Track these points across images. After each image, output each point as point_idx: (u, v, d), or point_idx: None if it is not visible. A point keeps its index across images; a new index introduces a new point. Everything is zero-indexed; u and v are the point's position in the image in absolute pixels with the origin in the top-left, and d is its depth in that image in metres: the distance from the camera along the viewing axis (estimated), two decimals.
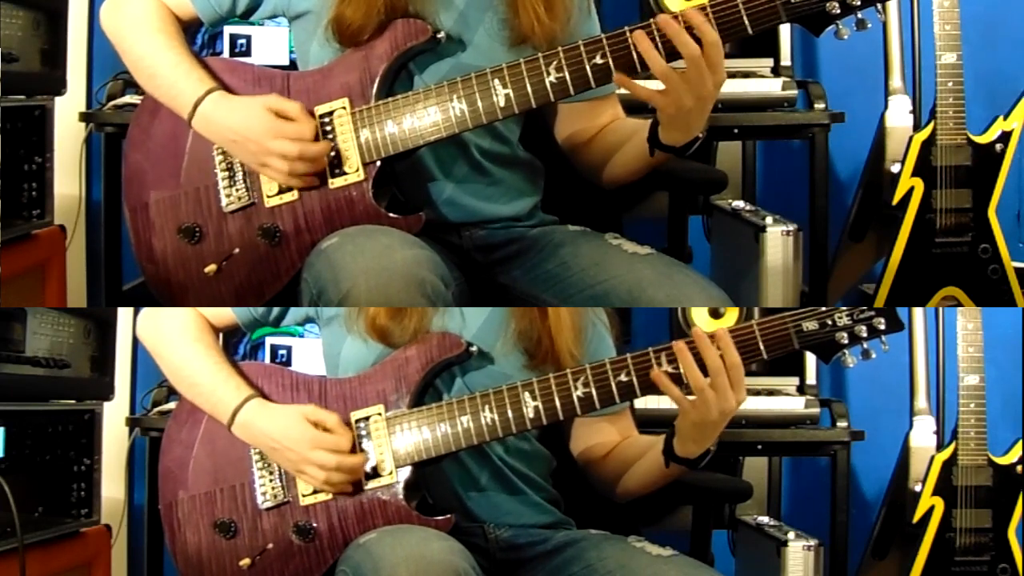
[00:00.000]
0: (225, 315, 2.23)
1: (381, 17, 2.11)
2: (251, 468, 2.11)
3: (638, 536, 2.09)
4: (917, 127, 3.08)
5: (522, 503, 2.14)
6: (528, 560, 2.10)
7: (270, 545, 2.09)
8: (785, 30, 2.94)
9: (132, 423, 2.89)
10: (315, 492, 2.08)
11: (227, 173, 2.15)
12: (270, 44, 2.91)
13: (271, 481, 2.10)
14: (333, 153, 2.10)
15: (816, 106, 2.90)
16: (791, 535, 2.84)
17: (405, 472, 2.05)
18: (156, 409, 2.84)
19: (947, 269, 3.09)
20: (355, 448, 2.06)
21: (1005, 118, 3.08)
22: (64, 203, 3.06)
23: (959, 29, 3.01)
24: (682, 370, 1.96)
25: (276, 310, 2.21)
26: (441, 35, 2.12)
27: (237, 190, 2.14)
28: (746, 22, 1.99)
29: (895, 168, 3.09)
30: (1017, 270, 3.11)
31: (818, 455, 2.91)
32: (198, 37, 2.88)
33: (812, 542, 2.81)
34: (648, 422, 2.31)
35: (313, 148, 2.08)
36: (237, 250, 2.15)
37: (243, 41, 2.92)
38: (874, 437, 3.00)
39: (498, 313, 2.13)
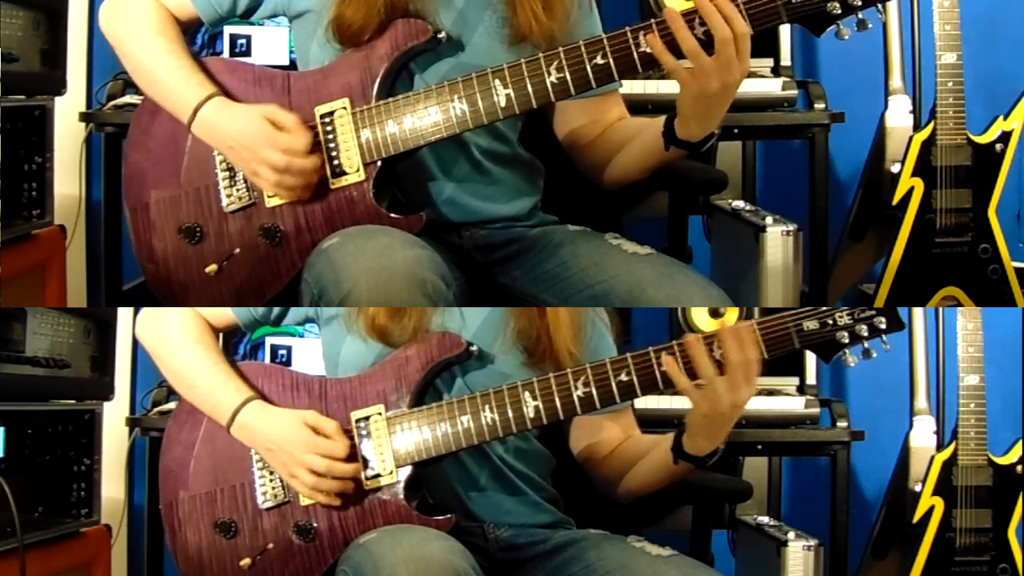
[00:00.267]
0: (225, 315, 2.23)
1: (381, 17, 2.11)
2: (251, 468, 2.11)
3: (638, 536, 2.09)
4: (917, 127, 3.08)
5: (522, 503, 2.14)
6: (528, 560, 2.10)
7: (270, 545, 2.09)
8: (785, 30, 2.94)
9: (132, 423, 2.89)
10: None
11: (228, 173, 2.15)
12: (270, 44, 2.91)
13: (271, 481, 2.10)
14: (336, 161, 2.10)
15: (816, 106, 2.90)
16: (791, 535, 2.84)
17: (405, 472, 2.05)
18: (156, 409, 2.85)
19: (947, 269, 3.09)
20: (353, 457, 2.05)
21: (1005, 118, 3.08)
22: (64, 203, 3.06)
23: (959, 29, 3.02)
24: (693, 361, 1.96)
25: (276, 310, 2.21)
26: (442, 35, 2.12)
27: (238, 190, 2.14)
28: (747, 22, 1.99)
29: (895, 168, 3.09)
30: (1017, 270, 3.11)
31: (818, 455, 2.91)
32: (198, 37, 2.88)
33: (812, 542, 2.82)
34: (648, 422, 2.31)
35: (300, 162, 2.08)
36: (238, 250, 2.15)
37: (243, 41, 2.92)
38: (874, 437, 3.00)
39: (497, 312, 2.13)
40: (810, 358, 2.95)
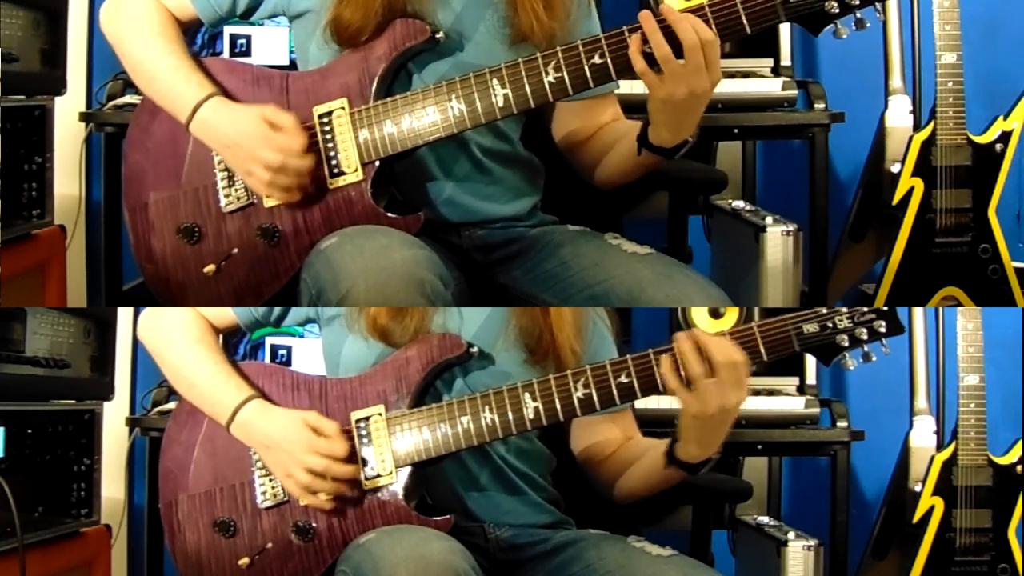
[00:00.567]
0: (226, 315, 2.23)
1: (379, 18, 2.11)
2: (251, 468, 2.11)
3: (638, 536, 2.09)
4: (917, 127, 3.08)
5: (522, 503, 2.14)
6: (528, 560, 2.10)
7: (269, 544, 2.09)
8: (785, 30, 2.94)
9: (132, 423, 2.89)
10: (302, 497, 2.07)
11: (226, 173, 2.15)
12: (270, 44, 2.91)
13: (271, 481, 2.10)
14: (334, 161, 2.10)
15: (816, 106, 2.90)
16: (791, 535, 2.84)
17: (405, 472, 2.05)
18: (156, 409, 2.84)
19: (947, 269, 3.09)
20: (353, 459, 2.05)
21: (1005, 118, 3.08)
22: (64, 203, 3.06)
23: (959, 29, 3.01)
24: (681, 362, 1.96)
25: (277, 311, 2.21)
26: (440, 35, 2.12)
27: (236, 190, 2.14)
28: (744, 21, 1.99)
29: (895, 168, 3.09)
30: (1017, 270, 3.11)
31: (818, 455, 2.91)
32: (198, 37, 2.88)
33: (812, 542, 2.81)
34: (648, 422, 2.31)
35: (295, 162, 2.08)
36: (236, 250, 2.15)
37: (243, 41, 2.92)
38: (874, 437, 3.00)
39: (498, 312, 2.13)
40: (810, 358, 2.93)
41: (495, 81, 2.06)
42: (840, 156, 3.26)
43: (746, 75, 2.88)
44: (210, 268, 2.16)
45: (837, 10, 1.99)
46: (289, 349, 2.89)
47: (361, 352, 2.11)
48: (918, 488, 3.05)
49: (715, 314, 2.82)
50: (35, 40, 2.82)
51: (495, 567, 2.09)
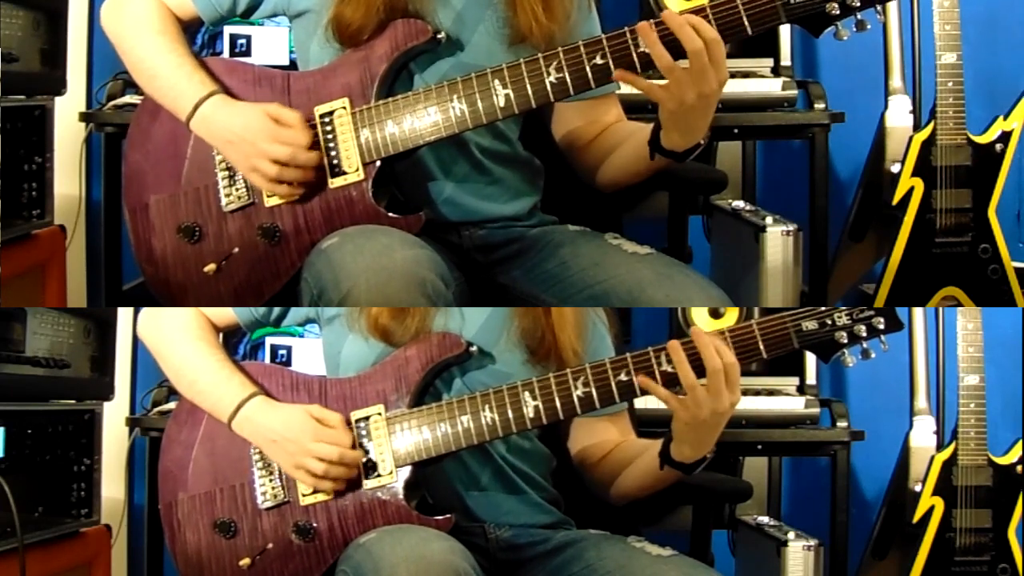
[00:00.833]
0: (226, 315, 2.23)
1: (380, 17, 2.11)
2: (251, 468, 2.11)
3: (638, 536, 2.09)
4: (917, 127, 3.08)
5: (522, 503, 2.14)
6: (528, 560, 2.10)
7: (270, 545, 2.10)
8: (785, 30, 2.94)
9: (132, 423, 2.89)
10: (315, 492, 2.08)
11: (227, 173, 2.15)
12: (270, 44, 2.91)
13: (271, 481, 2.10)
14: (335, 160, 2.10)
15: (816, 106, 2.90)
16: (791, 535, 2.84)
17: (405, 472, 2.05)
18: (156, 409, 2.85)
19: (947, 269, 3.09)
20: (355, 447, 2.06)
21: (1005, 118, 3.08)
22: (64, 203, 3.06)
23: (959, 29, 3.01)
24: (675, 368, 1.96)
25: (277, 310, 2.21)
26: (441, 35, 2.12)
27: (237, 190, 2.14)
28: (746, 23, 1.99)
29: (895, 168, 3.09)
30: (1017, 270, 3.11)
31: (818, 455, 2.91)
32: (198, 37, 2.88)
33: (812, 542, 2.82)
34: (648, 422, 2.31)
35: (304, 155, 2.08)
36: (237, 250, 2.15)
37: (243, 41, 2.92)
38: (874, 437, 3.00)
39: (499, 312, 2.13)
40: (810, 358, 2.95)
41: (496, 81, 2.06)
42: (840, 156, 3.26)
43: (746, 75, 2.88)
44: (211, 268, 2.16)
45: (838, 12, 1.99)
46: (289, 349, 2.89)
47: (361, 352, 2.12)
48: (918, 488, 3.05)
49: (715, 314, 2.82)
50: (35, 40, 2.82)
51: (495, 567, 2.10)
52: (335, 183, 2.10)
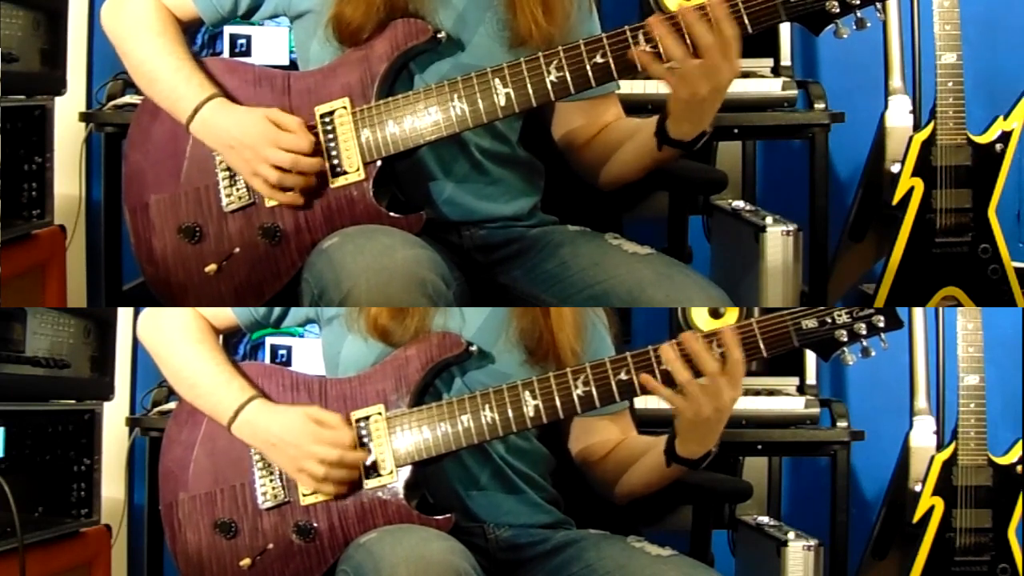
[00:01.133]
0: (227, 317, 2.23)
1: (380, 16, 2.11)
2: (251, 468, 2.11)
3: (638, 536, 2.09)
4: (917, 127, 3.08)
5: (522, 503, 2.14)
6: (528, 560, 2.10)
7: (270, 545, 2.09)
8: (785, 30, 2.95)
9: (132, 423, 2.89)
10: (315, 492, 2.08)
11: (227, 173, 2.15)
12: (270, 44, 2.91)
13: (271, 481, 2.10)
14: (336, 160, 2.10)
15: (816, 106, 2.90)
16: (791, 535, 2.84)
17: (405, 472, 2.05)
18: (156, 409, 2.85)
19: (947, 269, 3.09)
20: (356, 447, 2.06)
21: (1005, 118, 3.08)
22: (64, 203, 3.06)
23: (959, 29, 3.02)
24: (669, 367, 1.96)
25: (277, 311, 2.21)
26: (441, 35, 2.12)
27: (238, 190, 2.14)
28: (746, 21, 1.99)
29: (895, 168, 3.09)
30: (1017, 270, 3.11)
31: (818, 455, 2.91)
32: (198, 37, 2.88)
33: (812, 542, 2.82)
34: (648, 422, 2.31)
35: (305, 162, 2.08)
36: (237, 250, 2.15)
37: (243, 41, 2.92)
38: (874, 437, 3.00)
39: (499, 312, 2.13)
40: (810, 358, 2.95)
41: (497, 81, 2.06)
42: (840, 156, 3.26)
43: (746, 75, 2.88)
44: (211, 268, 2.16)
45: (838, 10, 1.99)
46: (289, 349, 2.89)
47: (360, 352, 2.11)
48: (918, 488, 3.05)
49: (715, 314, 2.82)
50: (35, 40, 2.82)
51: (495, 567, 2.09)
52: (336, 183, 2.10)
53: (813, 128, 2.87)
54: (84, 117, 2.88)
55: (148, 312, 2.25)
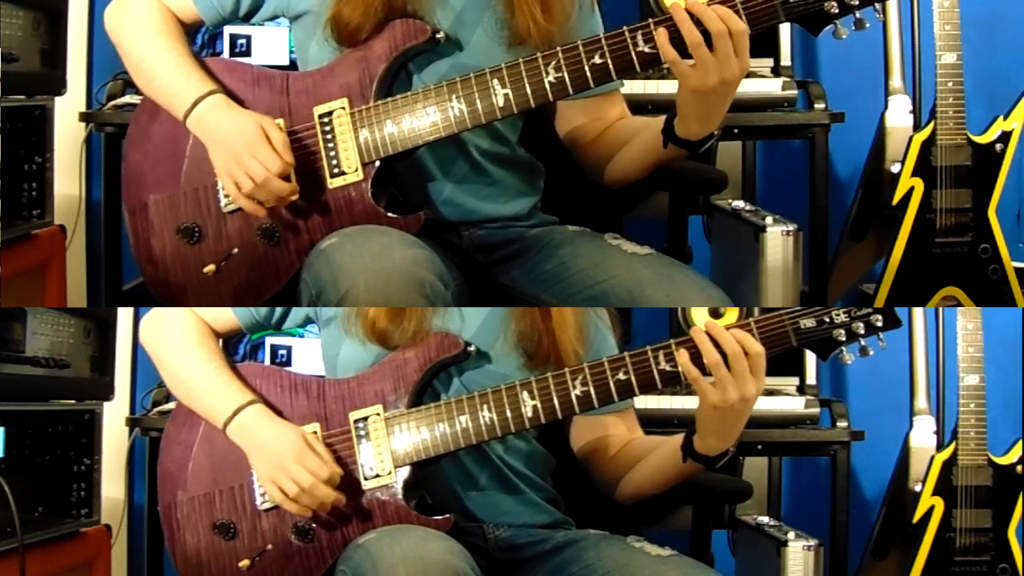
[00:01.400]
0: (228, 319, 2.22)
1: (379, 16, 2.11)
2: (250, 469, 2.11)
3: (638, 536, 2.09)
4: (917, 127, 3.08)
5: (521, 503, 2.14)
6: (527, 560, 2.10)
7: (269, 546, 2.09)
8: (785, 30, 2.95)
9: (132, 423, 2.89)
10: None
11: None
12: (270, 44, 2.92)
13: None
14: (335, 161, 2.10)
15: (816, 106, 2.90)
16: (791, 535, 2.84)
17: (404, 472, 2.05)
18: (156, 409, 2.85)
19: (947, 269, 3.09)
20: (341, 483, 2.05)
21: (1005, 118, 3.08)
22: (64, 203, 3.06)
23: (959, 29, 3.02)
24: (700, 349, 1.96)
25: (278, 313, 2.21)
26: (440, 35, 2.12)
27: None
28: (745, 21, 1.99)
29: (895, 168, 3.09)
30: (1017, 270, 3.11)
31: (818, 455, 2.91)
32: (198, 37, 2.88)
33: (812, 542, 2.81)
34: (649, 422, 2.31)
35: (275, 184, 2.06)
36: (236, 250, 2.15)
37: (243, 41, 2.92)
38: (874, 437, 3.00)
39: (498, 313, 2.13)
40: (810, 358, 2.95)
41: (495, 81, 2.06)
42: (840, 156, 3.26)
43: (746, 75, 2.87)
44: (210, 268, 2.16)
45: (837, 10, 1.99)
46: (289, 349, 2.89)
47: (359, 355, 2.11)
48: (918, 488, 3.05)
49: (715, 314, 2.82)
50: (35, 40, 2.82)
51: (494, 567, 2.09)
52: (334, 183, 2.10)
53: (813, 128, 2.87)
54: (84, 117, 2.88)
55: (150, 315, 2.25)
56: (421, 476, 2.07)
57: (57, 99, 2.91)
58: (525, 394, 2.02)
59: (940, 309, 3.14)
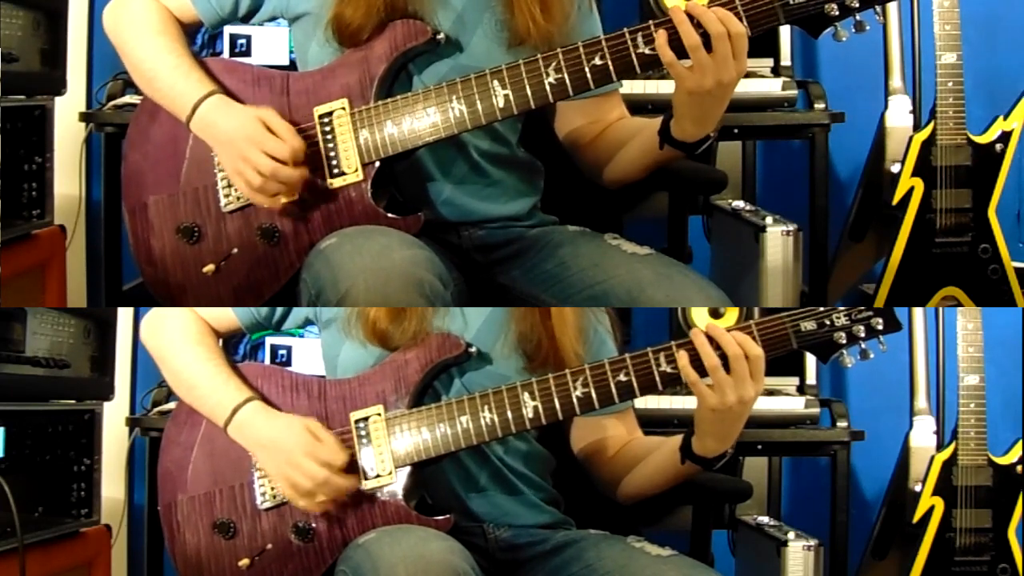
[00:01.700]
0: (228, 319, 2.23)
1: (380, 17, 2.11)
2: (250, 468, 2.11)
3: (638, 536, 2.09)
4: (917, 127, 3.08)
5: (521, 503, 2.14)
6: (527, 560, 2.10)
7: (269, 545, 2.10)
8: (785, 30, 2.94)
9: (132, 423, 2.89)
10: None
11: (226, 173, 2.15)
12: (270, 44, 2.91)
13: (270, 481, 2.09)
14: (334, 161, 2.10)
15: (816, 106, 2.90)
16: (791, 535, 2.84)
17: (404, 472, 2.05)
18: (156, 409, 2.85)
19: (947, 269, 3.09)
20: (352, 469, 2.04)
21: (1005, 118, 3.08)
22: (64, 203, 3.06)
23: (959, 29, 3.02)
24: (700, 352, 1.96)
25: (278, 313, 2.21)
26: (440, 36, 2.12)
27: (236, 190, 2.14)
28: (745, 23, 1.99)
29: (895, 168, 3.09)
30: (1017, 270, 3.11)
31: (818, 455, 2.91)
32: (198, 37, 2.87)
33: (812, 542, 2.81)
34: (648, 422, 2.31)
35: (285, 171, 2.07)
36: (236, 250, 2.15)
37: (243, 41, 2.92)
38: (874, 437, 3.00)
39: (498, 314, 2.13)
40: (810, 358, 2.94)
41: (496, 82, 2.06)
42: (840, 156, 3.26)
43: (746, 75, 2.85)
44: (210, 268, 2.16)
45: (837, 13, 1.99)
46: (289, 349, 2.89)
47: (359, 357, 2.11)
48: (918, 488, 3.05)
49: (715, 314, 2.82)
50: (35, 40, 2.82)
51: (495, 567, 2.10)
52: (334, 184, 2.10)
53: (813, 128, 2.87)
54: (84, 117, 2.88)
55: (151, 314, 2.25)
56: (421, 476, 2.07)
57: (57, 99, 2.91)
58: (526, 395, 2.02)
59: (940, 309, 3.14)
